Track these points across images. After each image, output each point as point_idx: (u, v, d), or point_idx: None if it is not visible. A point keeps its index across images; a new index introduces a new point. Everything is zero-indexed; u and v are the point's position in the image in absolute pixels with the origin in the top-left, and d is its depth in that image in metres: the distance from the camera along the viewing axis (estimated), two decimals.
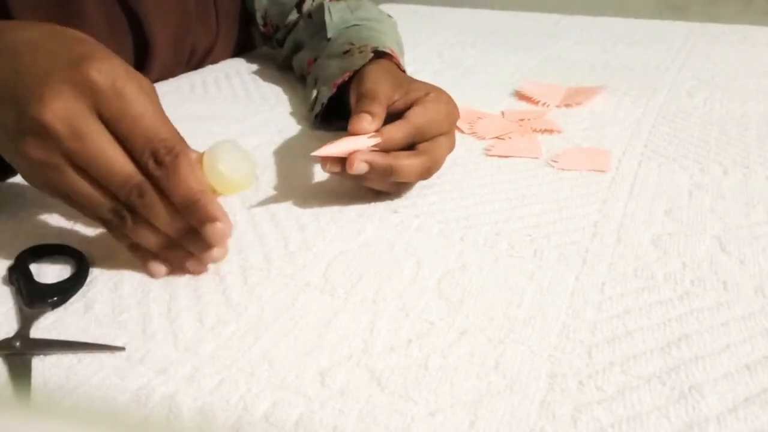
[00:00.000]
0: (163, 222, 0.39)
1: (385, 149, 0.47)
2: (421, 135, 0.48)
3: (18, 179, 0.53)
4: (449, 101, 0.51)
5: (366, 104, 0.49)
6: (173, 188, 0.38)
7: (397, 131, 0.47)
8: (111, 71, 0.37)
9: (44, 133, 0.36)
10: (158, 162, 0.38)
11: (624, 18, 1.12)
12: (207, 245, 0.40)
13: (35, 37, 0.39)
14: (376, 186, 0.49)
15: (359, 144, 0.46)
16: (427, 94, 0.50)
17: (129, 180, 0.38)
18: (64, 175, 0.38)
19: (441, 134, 0.50)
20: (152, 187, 0.38)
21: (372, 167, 0.46)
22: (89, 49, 0.38)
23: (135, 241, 0.41)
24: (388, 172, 0.47)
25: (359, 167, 0.46)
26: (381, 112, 0.48)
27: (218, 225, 0.38)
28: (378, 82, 0.52)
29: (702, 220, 0.47)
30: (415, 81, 0.54)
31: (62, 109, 0.36)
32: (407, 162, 0.47)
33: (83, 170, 0.38)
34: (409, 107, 0.49)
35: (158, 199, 0.38)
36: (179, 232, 0.40)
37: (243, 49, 0.89)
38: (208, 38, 0.81)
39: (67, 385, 0.33)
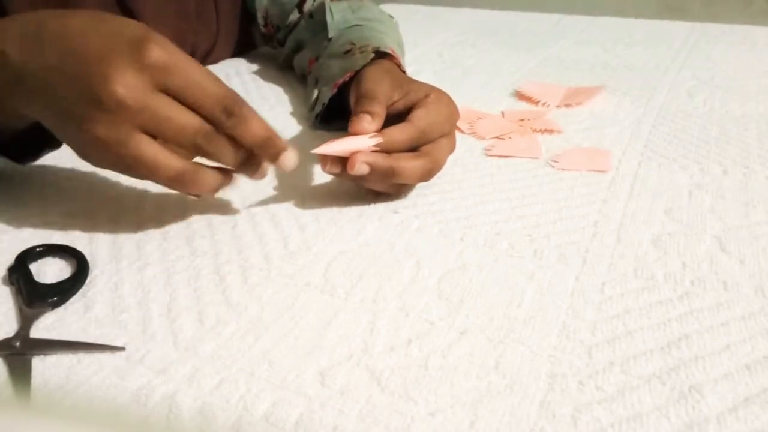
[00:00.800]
0: (230, 158, 0.44)
1: (386, 150, 0.47)
2: (424, 137, 0.48)
3: (20, 177, 0.53)
4: (450, 102, 0.51)
5: (365, 104, 0.49)
6: (247, 131, 0.43)
7: (400, 133, 0.47)
8: (167, 47, 0.41)
9: (116, 110, 0.39)
10: (229, 114, 0.42)
11: (624, 18, 1.12)
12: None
13: (83, 22, 0.41)
14: (376, 187, 0.49)
15: (360, 144, 0.46)
16: (427, 96, 0.50)
17: (199, 131, 0.41)
18: (130, 146, 0.40)
19: (442, 136, 0.50)
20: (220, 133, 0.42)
21: (373, 168, 0.46)
22: (141, 30, 0.41)
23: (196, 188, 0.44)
24: (389, 173, 0.47)
25: (360, 168, 0.46)
26: (381, 112, 0.48)
27: (290, 153, 0.45)
28: (377, 82, 0.52)
29: (702, 220, 0.47)
30: (416, 82, 0.54)
31: (131, 86, 0.39)
32: (409, 164, 0.47)
33: (152, 136, 0.41)
34: (409, 108, 0.49)
35: (226, 141, 0.43)
36: (238, 166, 0.45)
37: (243, 49, 0.89)
38: (209, 38, 0.81)
39: (67, 385, 0.33)
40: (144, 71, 0.39)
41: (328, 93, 0.61)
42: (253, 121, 0.43)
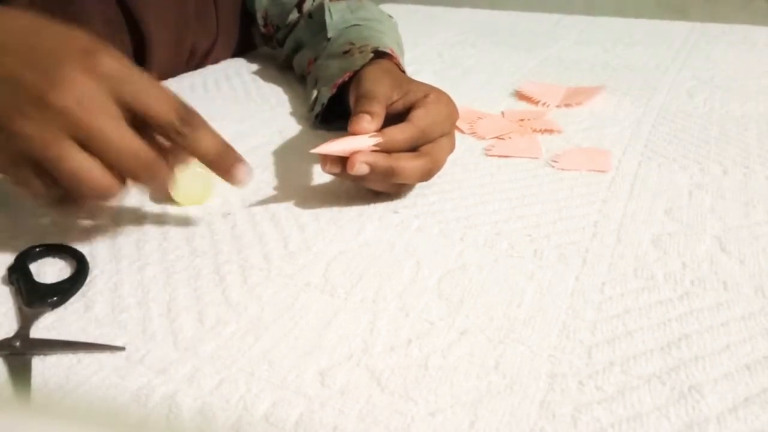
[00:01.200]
0: (162, 184, 0.42)
1: (386, 150, 0.47)
2: (424, 137, 0.48)
3: None
4: (449, 102, 0.51)
5: (365, 104, 0.49)
6: (200, 142, 0.41)
7: (400, 133, 0.47)
8: (120, 58, 0.40)
9: (55, 114, 0.37)
10: (184, 123, 0.40)
11: (624, 18, 1.12)
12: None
13: (32, 21, 0.40)
14: (376, 187, 0.49)
15: (360, 144, 0.46)
16: (427, 96, 0.50)
17: (139, 158, 0.39)
18: (53, 148, 0.37)
19: (442, 135, 0.50)
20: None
21: (373, 168, 0.46)
22: (92, 41, 0.40)
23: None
24: (389, 173, 0.47)
25: (360, 168, 0.46)
26: (380, 111, 0.48)
27: (244, 167, 0.43)
28: (376, 82, 0.52)
29: (702, 220, 0.47)
30: (415, 81, 0.54)
31: (78, 97, 0.37)
32: (408, 164, 0.47)
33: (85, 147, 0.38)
34: (409, 108, 0.49)
35: (162, 168, 0.41)
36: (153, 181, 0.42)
37: (243, 49, 0.89)
38: (208, 38, 0.81)
39: (67, 385, 0.33)
40: (99, 80, 0.38)
41: (327, 93, 0.61)
42: (207, 133, 0.42)
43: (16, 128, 0.38)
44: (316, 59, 0.71)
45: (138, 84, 0.40)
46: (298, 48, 0.78)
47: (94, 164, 0.39)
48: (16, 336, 0.36)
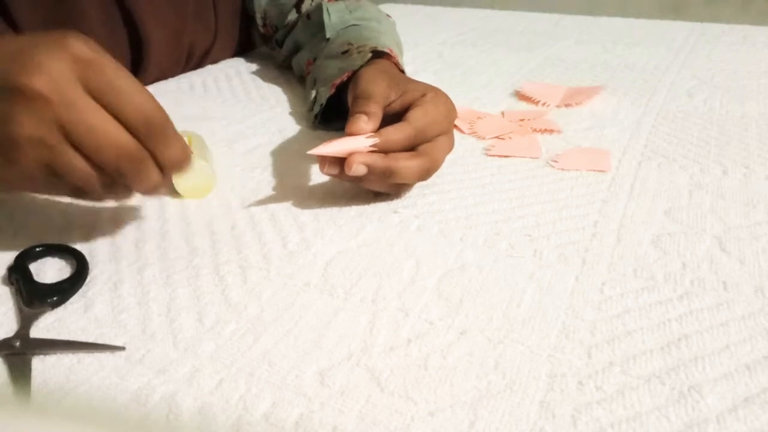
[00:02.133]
0: (152, 183, 0.40)
1: (384, 151, 0.47)
2: (422, 137, 0.48)
3: None
4: (447, 101, 0.51)
5: (362, 105, 0.49)
6: (164, 154, 0.39)
7: (397, 133, 0.47)
8: (94, 47, 0.37)
9: (35, 104, 0.35)
10: (149, 130, 0.38)
11: (624, 18, 1.12)
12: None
13: (16, 36, 0.39)
14: (374, 188, 0.49)
15: (358, 144, 0.46)
16: (424, 95, 0.50)
17: (124, 150, 0.38)
18: (61, 153, 0.37)
19: (440, 134, 0.50)
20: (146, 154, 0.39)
21: (370, 169, 0.46)
22: (68, 31, 0.38)
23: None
24: (386, 173, 0.47)
25: (358, 169, 0.46)
26: (377, 111, 0.48)
27: None
28: (374, 82, 0.52)
29: (702, 220, 0.47)
30: (413, 81, 0.54)
31: (51, 79, 0.36)
32: (406, 164, 0.47)
33: (75, 145, 0.37)
34: (406, 108, 0.49)
35: (152, 168, 0.39)
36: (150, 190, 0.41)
37: (243, 49, 0.89)
38: (207, 38, 0.81)
39: (67, 385, 0.33)
40: (68, 66, 0.36)
41: (326, 93, 0.61)
42: (175, 143, 0.40)
43: (14, 134, 0.36)
44: (314, 60, 0.71)
45: (109, 74, 0.37)
46: (297, 49, 0.78)
47: (81, 161, 0.37)
48: (16, 336, 0.36)
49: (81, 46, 0.37)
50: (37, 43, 0.37)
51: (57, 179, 0.38)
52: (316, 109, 0.63)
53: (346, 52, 0.63)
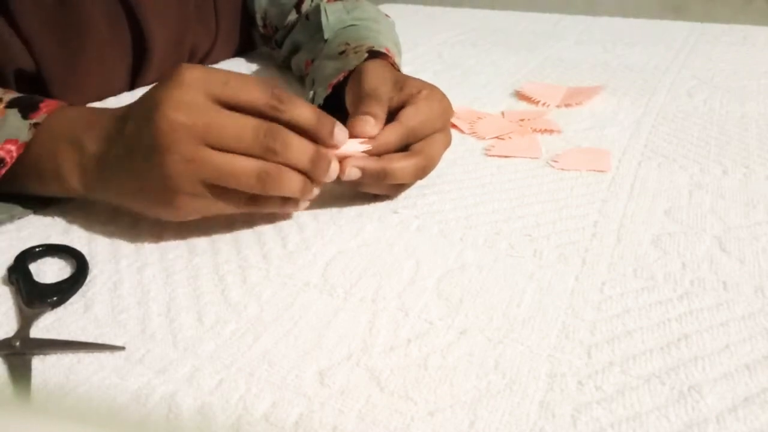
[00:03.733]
0: (300, 151, 0.42)
1: (377, 153, 0.47)
2: (415, 136, 0.48)
3: None
4: (443, 98, 0.51)
5: (368, 105, 0.49)
6: (301, 112, 0.43)
7: (390, 135, 0.47)
8: (200, 66, 0.42)
9: (175, 131, 0.39)
10: (279, 100, 0.42)
11: (624, 18, 1.12)
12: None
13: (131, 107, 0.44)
14: (371, 190, 0.49)
15: (350, 149, 0.46)
16: (419, 92, 0.50)
17: (259, 128, 0.41)
18: (208, 158, 0.40)
19: (435, 132, 0.50)
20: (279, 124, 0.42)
21: (365, 172, 0.46)
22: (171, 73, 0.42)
23: (277, 202, 0.44)
24: (381, 175, 0.47)
25: (351, 173, 0.46)
26: (383, 114, 0.48)
27: (341, 127, 0.45)
28: (381, 81, 0.52)
29: (702, 220, 0.47)
30: (409, 78, 0.54)
31: (180, 106, 0.40)
32: (400, 164, 0.47)
33: (218, 148, 0.41)
34: (401, 106, 0.49)
35: (288, 131, 0.42)
36: (313, 162, 0.43)
37: (243, 50, 0.89)
38: (208, 39, 0.81)
39: (67, 385, 0.33)
40: (193, 89, 0.40)
41: (323, 93, 0.61)
42: (301, 105, 0.43)
43: (165, 166, 0.40)
44: (313, 60, 0.71)
45: (229, 81, 0.41)
46: (296, 49, 0.78)
47: (236, 156, 0.41)
48: (16, 336, 0.36)
49: (195, 71, 0.41)
50: (155, 94, 0.41)
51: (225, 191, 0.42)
52: None
53: (343, 52, 0.63)
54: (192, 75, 0.41)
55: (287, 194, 0.43)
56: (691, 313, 0.38)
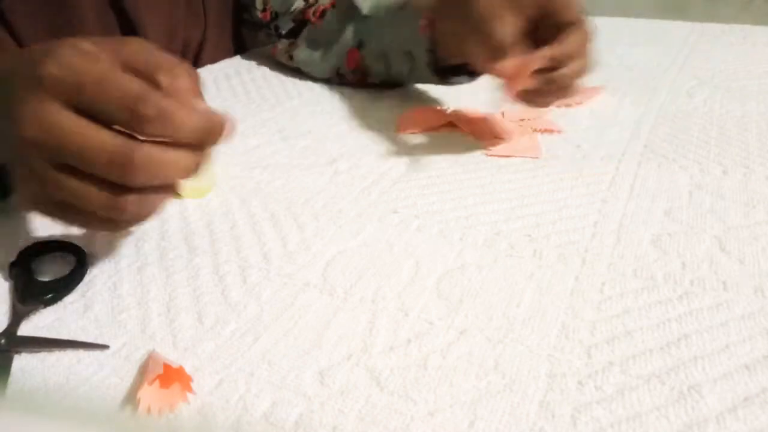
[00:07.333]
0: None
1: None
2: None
3: None
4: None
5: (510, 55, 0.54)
6: (184, 124, 0.35)
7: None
8: (62, 60, 0.35)
9: (32, 149, 0.34)
10: (139, 116, 0.34)
11: (624, 18, 1.12)
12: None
13: (12, 64, 0.37)
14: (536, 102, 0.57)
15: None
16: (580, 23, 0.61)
17: (114, 153, 0.34)
18: (59, 181, 0.35)
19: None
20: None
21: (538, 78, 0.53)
22: (44, 48, 0.36)
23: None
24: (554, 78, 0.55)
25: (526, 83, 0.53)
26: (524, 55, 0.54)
27: (231, 122, 0.37)
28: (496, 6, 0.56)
29: (702, 220, 0.47)
30: None
31: (35, 119, 0.34)
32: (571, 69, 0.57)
33: (71, 169, 0.35)
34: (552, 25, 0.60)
35: (152, 158, 0.35)
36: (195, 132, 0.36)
37: (239, 43, 0.89)
38: (198, 30, 0.80)
39: (67, 385, 0.33)
40: (47, 94, 0.34)
41: (420, 43, 0.63)
42: (182, 115, 0.35)
43: (21, 185, 0.36)
44: (359, 47, 0.71)
45: (83, 81, 0.34)
46: (328, 45, 0.75)
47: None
48: (3, 333, 0.36)
49: (54, 68, 0.34)
50: (20, 84, 0.35)
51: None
52: (423, 69, 0.66)
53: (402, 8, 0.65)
54: (50, 72, 0.34)
55: (158, 175, 0.36)
56: (691, 313, 0.38)
